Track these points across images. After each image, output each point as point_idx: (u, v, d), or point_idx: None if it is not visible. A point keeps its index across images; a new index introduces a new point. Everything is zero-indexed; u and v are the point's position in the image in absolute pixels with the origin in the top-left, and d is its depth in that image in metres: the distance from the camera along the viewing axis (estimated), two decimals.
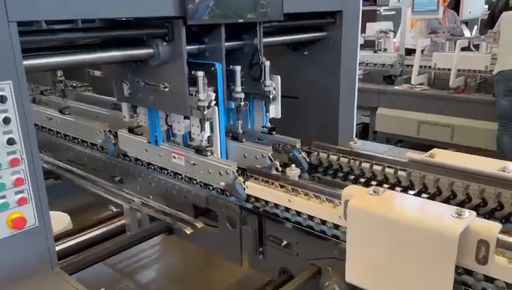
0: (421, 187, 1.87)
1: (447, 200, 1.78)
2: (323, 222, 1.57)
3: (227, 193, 1.87)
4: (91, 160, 2.59)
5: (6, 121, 1.32)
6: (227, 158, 2.11)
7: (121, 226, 2.02)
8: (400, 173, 1.93)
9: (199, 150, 1.97)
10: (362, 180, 2.02)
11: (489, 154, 2.91)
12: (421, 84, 5.53)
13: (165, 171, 2.17)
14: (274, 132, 2.26)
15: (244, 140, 2.12)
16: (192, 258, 2.67)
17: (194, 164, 1.99)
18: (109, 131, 2.49)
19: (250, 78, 2.20)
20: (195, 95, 1.89)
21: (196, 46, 2.02)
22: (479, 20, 7.21)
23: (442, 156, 1.88)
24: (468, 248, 1.18)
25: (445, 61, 5.46)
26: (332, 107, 2.67)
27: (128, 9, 1.60)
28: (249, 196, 1.81)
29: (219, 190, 1.91)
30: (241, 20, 1.98)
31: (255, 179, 1.80)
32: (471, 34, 6.78)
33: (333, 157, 2.13)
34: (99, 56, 1.71)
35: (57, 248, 1.66)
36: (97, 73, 3.77)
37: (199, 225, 1.83)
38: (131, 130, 2.32)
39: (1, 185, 1.35)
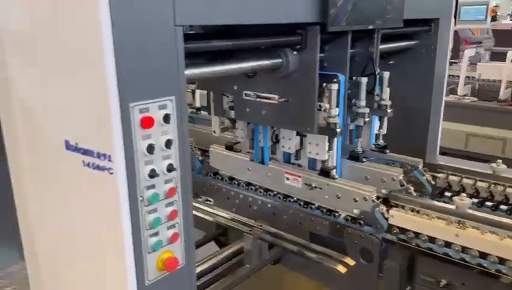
0: None
1: None
2: (502, 261, 1.36)
3: (361, 222, 1.66)
4: None
5: (169, 144, 1.11)
6: None
7: (234, 254, 1.78)
8: None
9: (325, 172, 1.76)
10: (503, 207, 1.81)
11: None
12: (465, 95, 5.35)
13: (271, 193, 1.95)
14: (387, 150, 2.06)
15: (364, 160, 1.91)
16: None
17: (315, 187, 1.78)
18: (194, 147, 2.28)
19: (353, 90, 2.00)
20: (324, 110, 1.68)
21: None
22: None
23: None
24: None
25: (491, 71, 5.30)
26: (420, 120, 2.46)
27: (265, 15, 1.40)
28: (391, 226, 1.60)
29: (349, 218, 1.70)
30: (370, 27, 1.79)
31: (402, 207, 1.58)
32: None
33: (468, 181, 1.92)
34: (231, 67, 1.50)
35: None
36: None
37: (350, 262, 1.61)
38: (229, 147, 2.10)
39: (156, 220, 1.13)
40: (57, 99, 1.10)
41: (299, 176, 1.82)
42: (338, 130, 1.66)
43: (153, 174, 1.08)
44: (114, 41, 0.95)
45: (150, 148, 1.06)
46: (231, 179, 2.12)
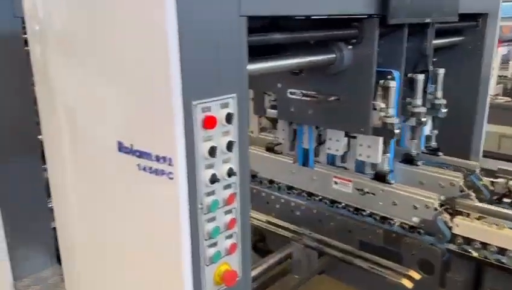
0: None
1: None
2: None
3: (420, 231, 1.54)
4: None
5: (230, 146, 1.00)
6: None
7: (279, 262, 1.67)
8: None
9: (380, 176, 1.64)
10: None
11: None
12: (497, 94, 5.16)
13: (316, 198, 1.84)
14: (440, 153, 1.93)
15: (419, 163, 1.78)
16: None
17: (368, 192, 1.66)
18: None
19: (408, 87, 1.88)
20: (380, 109, 1.56)
21: None
22: None
23: None
24: None
25: None
26: (463, 121, 2.32)
27: (328, 6, 1.28)
28: (455, 235, 1.47)
29: (406, 226, 1.58)
30: (427, 20, 1.66)
31: (467, 215, 1.46)
32: None
33: None
34: (287, 62, 1.38)
35: None
36: None
37: (415, 275, 1.49)
38: (269, 149, 2.00)
39: (215, 230, 1.02)
40: (109, 97, 1.00)
41: (349, 181, 1.70)
42: (396, 131, 1.53)
43: (213, 179, 0.98)
44: (179, 32, 0.85)
45: (212, 151, 0.96)
46: (271, 182, 2.01)
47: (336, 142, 1.78)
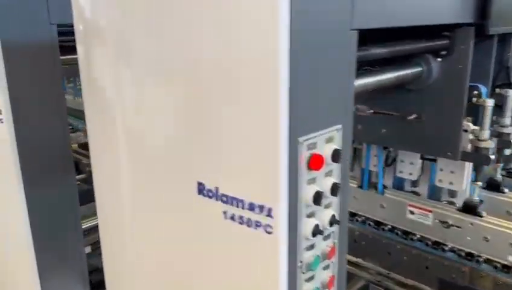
0: None
1: None
2: None
3: None
4: None
5: (335, 190, 0.81)
6: None
7: None
8: None
9: (469, 207, 1.43)
10: None
11: None
12: None
13: (385, 228, 1.64)
14: None
15: (506, 190, 1.57)
16: None
17: (453, 225, 1.46)
18: None
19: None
20: (472, 131, 1.36)
21: None
22: None
23: None
24: None
25: None
26: None
27: (427, 16, 1.09)
28: None
29: (498, 265, 1.37)
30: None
31: None
32: None
33: None
34: (374, 80, 1.19)
35: None
36: None
37: None
38: None
39: None
40: (190, 126, 0.83)
41: (429, 211, 1.50)
42: (492, 156, 1.33)
43: (316, 231, 0.79)
44: (290, 47, 0.67)
45: (318, 197, 0.77)
46: None
47: (410, 165, 1.58)
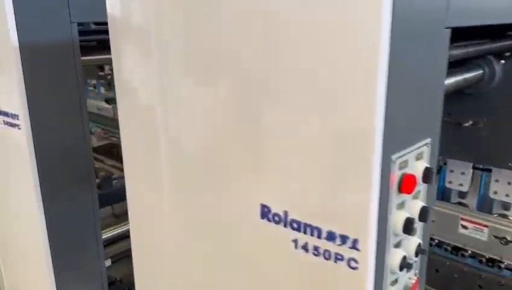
0: None
1: None
2: None
3: None
4: None
5: (425, 215, 0.68)
6: None
7: None
8: None
9: None
10: None
11: None
12: None
13: (432, 243, 1.52)
14: None
15: None
16: None
17: (510, 241, 1.33)
18: None
19: None
20: None
21: None
22: None
23: None
24: None
25: None
26: None
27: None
28: None
29: None
30: None
31: None
32: None
33: None
34: None
35: None
36: None
37: None
38: None
39: None
40: (255, 138, 0.71)
41: (485, 225, 1.37)
42: None
43: (403, 264, 0.67)
44: (390, 51, 0.55)
45: (409, 225, 0.65)
46: None
47: (461, 176, 1.45)
